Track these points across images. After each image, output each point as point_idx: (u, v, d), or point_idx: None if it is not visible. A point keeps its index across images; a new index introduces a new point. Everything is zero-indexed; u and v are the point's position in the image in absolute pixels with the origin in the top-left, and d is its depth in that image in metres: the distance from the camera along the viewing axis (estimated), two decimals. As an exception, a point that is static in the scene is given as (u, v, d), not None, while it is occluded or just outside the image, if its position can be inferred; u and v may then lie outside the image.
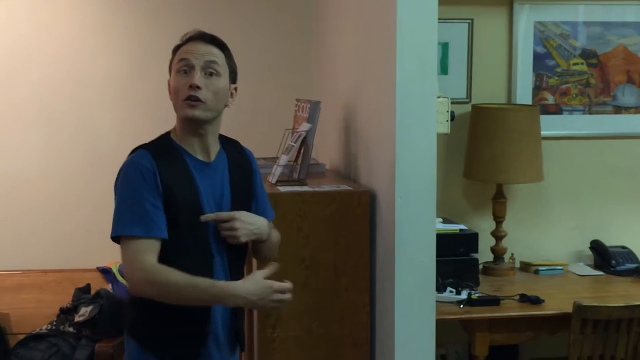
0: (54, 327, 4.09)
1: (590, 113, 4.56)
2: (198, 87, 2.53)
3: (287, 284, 2.57)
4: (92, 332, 4.00)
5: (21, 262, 4.44)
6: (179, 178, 2.56)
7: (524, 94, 4.47)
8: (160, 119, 4.48)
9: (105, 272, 4.31)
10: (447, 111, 3.43)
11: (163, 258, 2.52)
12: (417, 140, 3.08)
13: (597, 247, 4.43)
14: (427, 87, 3.10)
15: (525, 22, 4.45)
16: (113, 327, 4.01)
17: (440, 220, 3.93)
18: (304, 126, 3.59)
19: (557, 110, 4.54)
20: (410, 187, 2.98)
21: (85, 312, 4.04)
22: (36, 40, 4.45)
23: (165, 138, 2.65)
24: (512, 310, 3.74)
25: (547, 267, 4.33)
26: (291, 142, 3.61)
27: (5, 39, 4.43)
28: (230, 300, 2.52)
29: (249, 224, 2.62)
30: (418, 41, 3.07)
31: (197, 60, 2.56)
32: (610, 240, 4.45)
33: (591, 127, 4.56)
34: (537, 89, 4.50)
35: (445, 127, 3.42)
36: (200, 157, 2.62)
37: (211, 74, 2.57)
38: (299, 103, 3.82)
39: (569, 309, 3.64)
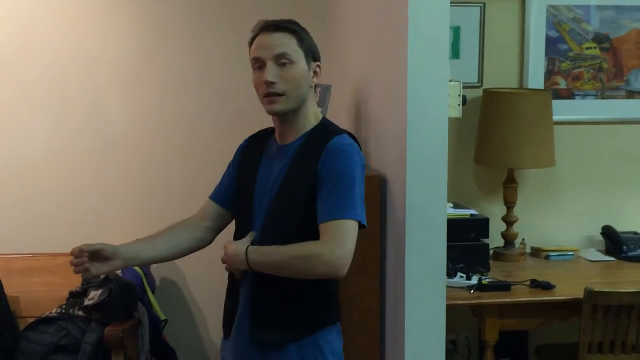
0: (63, 311, 4.09)
1: (602, 98, 4.53)
2: (272, 83, 2.54)
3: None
4: (101, 315, 3.99)
5: (31, 245, 4.44)
6: (250, 159, 2.72)
7: (535, 79, 4.44)
8: (170, 103, 4.53)
9: (115, 255, 4.31)
10: (459, 95, 3.40)
11: None
12: (429, 125, 3.05)
13: (608, 232, 4.41)
14: (438, 71, 3.06)
15: (538, 5, 4.41)
16: (122, 311, 4.00)
17: (451, 205, 3.91)
18: (314, 110, 3.56)
19: (569, 94, 4.51)
20: (421, 172, 2.96)
21: (94, 295, 4.04)
22: (44, 23, 4.42)
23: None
24: (522, 295, 3.73)
25: (558, 253, 4.32)
26: (301, 126, 3.58)
27: (13, 22, 4.40)
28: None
29: (234, 254, 2.56)
30: (430, 25, 3.04)
31: (266, 54, 2.56)
32: (622, 225, 4.44)
33: (603, 112, 4.53)
34: (549, 74, 4.47)
35: (456, 112, 3.39)
36: (279, 140, 2.69)
37: (284, 64, 2.56)
38: (309, 87, 3.79)
39: (580, 294, 3.62)
